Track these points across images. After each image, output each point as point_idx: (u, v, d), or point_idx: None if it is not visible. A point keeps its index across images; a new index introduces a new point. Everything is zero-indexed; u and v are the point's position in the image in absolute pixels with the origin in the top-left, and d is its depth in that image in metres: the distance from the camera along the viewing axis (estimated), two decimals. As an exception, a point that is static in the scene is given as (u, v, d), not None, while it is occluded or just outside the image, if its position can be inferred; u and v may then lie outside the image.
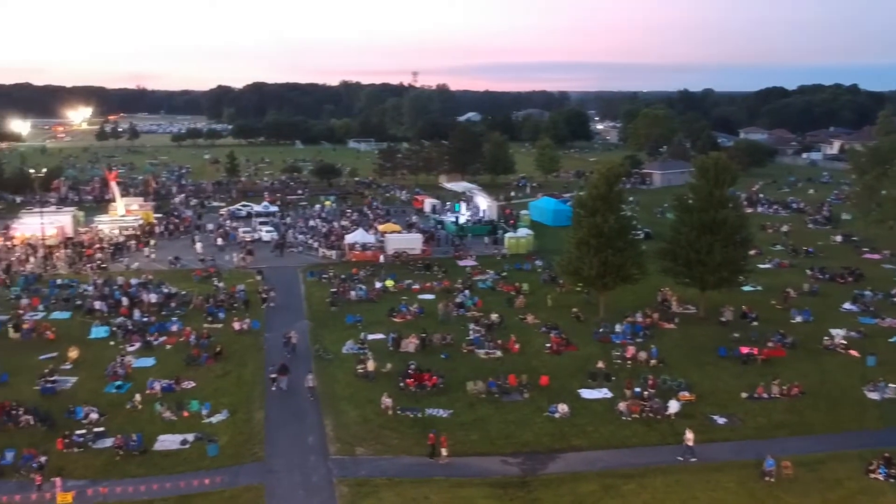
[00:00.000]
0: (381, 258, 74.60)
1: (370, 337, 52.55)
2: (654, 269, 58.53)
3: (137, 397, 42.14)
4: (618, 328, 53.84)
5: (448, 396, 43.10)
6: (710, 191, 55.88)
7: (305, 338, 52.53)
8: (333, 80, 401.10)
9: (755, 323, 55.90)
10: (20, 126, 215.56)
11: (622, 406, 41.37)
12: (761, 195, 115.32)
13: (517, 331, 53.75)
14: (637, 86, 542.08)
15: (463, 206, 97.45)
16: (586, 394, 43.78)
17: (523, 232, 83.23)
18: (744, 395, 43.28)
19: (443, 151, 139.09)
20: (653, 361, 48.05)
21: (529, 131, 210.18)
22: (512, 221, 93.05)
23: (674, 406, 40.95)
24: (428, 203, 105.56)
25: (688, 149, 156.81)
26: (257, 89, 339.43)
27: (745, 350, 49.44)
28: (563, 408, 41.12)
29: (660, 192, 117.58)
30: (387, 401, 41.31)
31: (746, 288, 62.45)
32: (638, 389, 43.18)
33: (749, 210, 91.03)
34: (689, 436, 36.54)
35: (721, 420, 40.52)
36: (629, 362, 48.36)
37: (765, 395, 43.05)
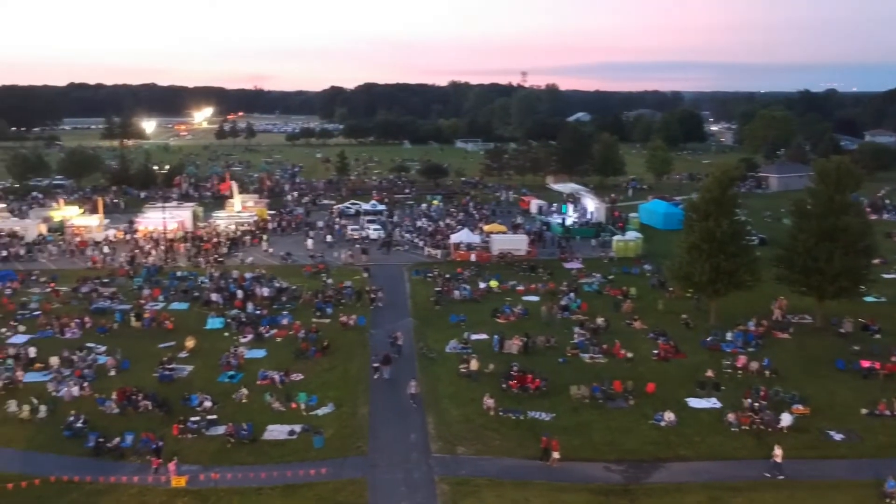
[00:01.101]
0: (473, 256, 74.69)
1: (474, 337, 52.66)
2: (769, 276, 56.38)
3: (243, 390, 43.52)
4: (728, 336, 52.09)
5: (551, 400, 42.72)
6: (831, 196, 53.29)
7: (409, 335, 53.11)
8: (442, 81, 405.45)
9: (878, 336, 53.02)
10: (146, 124, 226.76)
11: (731, 417, 39.99)
12: (887, 201, 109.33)
13: (623, 336, 52.77)
14: (754, 86, 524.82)
15: (570, 207, 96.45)
16: (694, 403, 42.55)
17: (632, 235, 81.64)
18: (864, 411, 41.09)
19: (550, 152, 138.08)
20: (766, 372, 46.27)
21: (640, 132, 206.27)
22: (620, 224, 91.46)
23: (786, 419, 39.30)
24: (534, 204, 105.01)
25: (807, 152, 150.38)
26: (368, 90, 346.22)
27: (866, 364, 46.92)
28: (669, 416, 40.11)
29: (776, 197, 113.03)
30: (489, 401, 41.31)
31: (869, 298, 59.39)
32: (748, 400, 41.67)
33: (873, 217, 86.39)
34: (778, 452, 35.04)
35: (838, 436, 38.59)
36: (740, 372, 46.73)
37: (887, 413, 40.75)
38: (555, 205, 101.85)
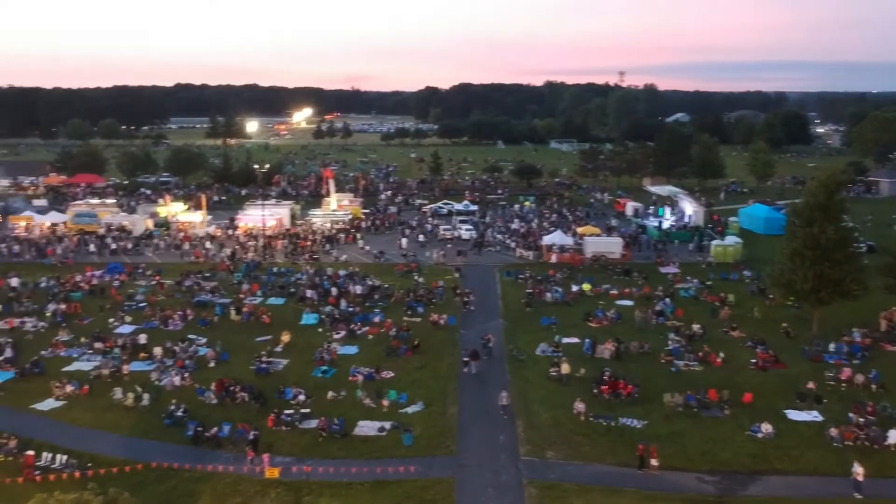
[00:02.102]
0: (554, 258, 73.94)
1: (565, 340, 52.10)
2: (877, 285, 53.76)
3: (330, 394, 44.19)
4: (832, 347, 49.92)
5: (643, 407, 41.86)
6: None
7: (500, 337, 52.96)
8: (538, 81, 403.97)
9: None
10: (248, 124, 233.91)
11: (834, 431, 38.28)
12: None
13: (720, 344, 51.25)
14: (866, 86, 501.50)
15: (667, 210, 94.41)
16: (793, 415, 40.94)
17: (731, 240, 79.21)
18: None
19: (647, 153, 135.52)
20: (872, 386, 44.12)
21: (742, 133, 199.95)
22: (720, 228, 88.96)
23: (893, 436, 37.38)
24: (630, 206, 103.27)
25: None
26: (463, 90, 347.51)
27: (984, 381, 44.24)
28: (766, 428, 38.73)
29: (887, 202, 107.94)
30: (580, 406, 40.81)
31: None
32: (852, 415, 39.84)
33: None
34: (859, 470, 33.24)
35: (951, 457, 36.49)
36: (843, 385, 44.71)
37: None
38: (651, 207, 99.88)
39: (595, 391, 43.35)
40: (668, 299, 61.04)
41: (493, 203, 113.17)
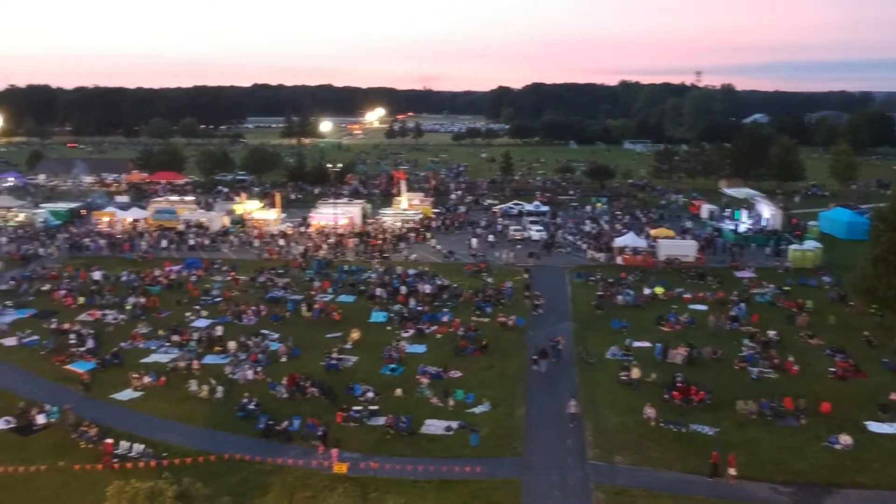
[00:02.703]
0: (619, 259, 72.72)
1: (636, 344, 51.33)
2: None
3: (398, 391, 44.45)
4: (918, 358, 48.02)
5: (715, 414, 40.93)
6: None
7: (569, 340, 52.49)
8: (612, 80, 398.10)
9: None
10: (322, 124, 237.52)
11: (919, 446, 36.81)
12: None
13: (797, 351, 49.76)
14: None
15: (744, 213, 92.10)
16: (875, 427, 39.45)
17: (811, 244, 76.79)
18: None
19: (724, 155, 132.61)
20: (961, 399, 42.28)
21: (824, 135, 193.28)
22: (798, 233, 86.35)
23: (984, 453, 35.73)
24: (705, 208, 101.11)
25: None
26: (535, 90, 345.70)
27: None
28: (845, 439, 37.41)
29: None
30: (650, 411, 40.15)
31: None
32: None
33: None
34: None
35: None
36: (930, 397, 42.92)
37: None
38: (727, 210, 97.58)
39: (666, 396, 42.58)
40: (743, 304, 59.54)
41: (565, 204, 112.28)
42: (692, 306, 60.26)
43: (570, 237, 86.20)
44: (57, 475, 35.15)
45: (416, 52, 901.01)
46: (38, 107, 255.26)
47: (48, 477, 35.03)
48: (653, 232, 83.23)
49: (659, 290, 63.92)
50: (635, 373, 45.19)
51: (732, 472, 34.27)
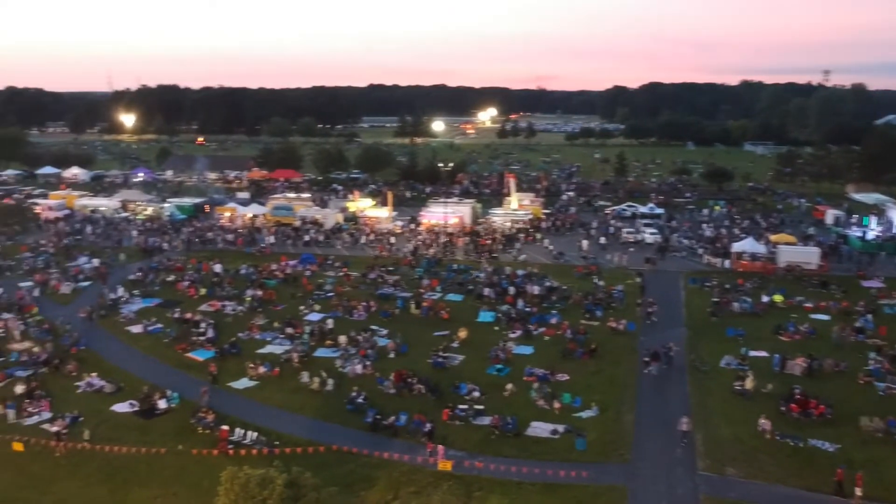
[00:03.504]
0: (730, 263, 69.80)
1: (752, 353, 49.37)
2: None
3: (509, 386, 44.26)
4: None
5: (836, 429, 38.91)
6: None
7: (681, 346, 50.99)
8: (733, 80, 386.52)
9: None
10: (435, 123, 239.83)
11: None
12: None
13: (929, 366, 46.77)
14: None
15: (873, 219, 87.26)
16: None
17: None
18: None
19: (852, 158, 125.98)
20: None
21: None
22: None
23: None
24: (830, 214, 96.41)
25: None
26: (652, 89, 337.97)
27: None
28: (983, 464, 34.90)
29: None
30: (765, 423, 38.56)
31: None
32: None
33: None
34: None
35: None
36: None
37: None
38: (855, 216, 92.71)
39: (783, 409, 40.81)
40: (869, 315, 56.36)
41: (680, 207, 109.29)
42: (813, 316, 57.51)
43: (685, 241, 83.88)
44: (176, 458, 36.81)
45: (531, 52, 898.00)
46: (167, 106, 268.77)
47: (168, 459, 36.73)
48: (773, 237, 79.95)
49: (778, 298, 61.31)
50: (749, 383, 43.52)
51: (858, 492, 32.46)
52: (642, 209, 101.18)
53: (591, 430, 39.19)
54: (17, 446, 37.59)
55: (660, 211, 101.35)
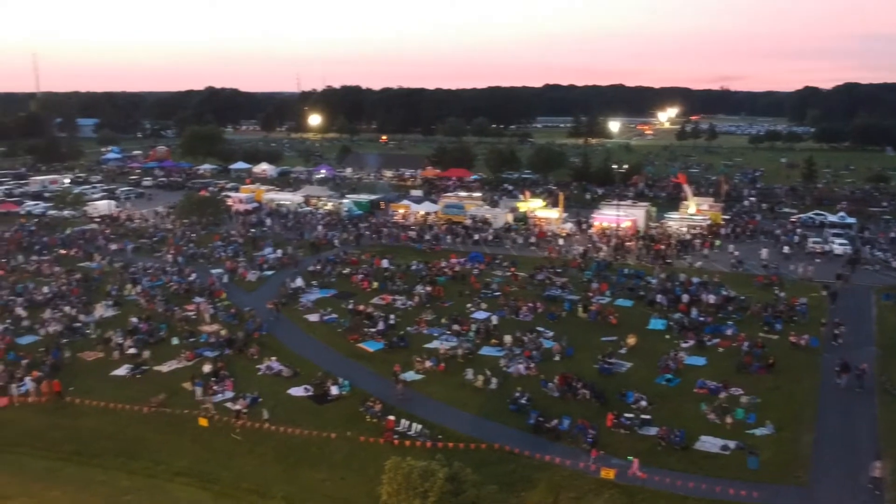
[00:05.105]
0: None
1: (954, 378, 45.00)
2: None
3: (711, 414, 42.62)
4: None
5: None
6: None
7: (871, 367, 47.02)
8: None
9: None
10: (611, 124, 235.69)
11: None
12: None
13: None
14: None
15: None
16: None
17: None
18: None
19: None
20: None
21: None
22: None
23: None
24: None
25: None
26: (848, 90, 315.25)
27: None
28: None
29: None
30: (967, 458, 34.98)
31: None
32: None
33: None
34: None
35: None
36: None
37: None
38: None
39: None
40: None
41: (876, 217, 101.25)
42: None
43: (879, 254, 77.63)
44: (345, 443, 38.27)
45: (714, 52, 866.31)
46: (349, 106, 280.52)
47: (337, 444, 38.25)
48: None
49: None
50: (952, 412, 39.63)
51: None
52: (831, 218, 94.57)
53: (765, 449, 37.08)
54: (203, 421, 40.43)
55: (851, 220, 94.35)
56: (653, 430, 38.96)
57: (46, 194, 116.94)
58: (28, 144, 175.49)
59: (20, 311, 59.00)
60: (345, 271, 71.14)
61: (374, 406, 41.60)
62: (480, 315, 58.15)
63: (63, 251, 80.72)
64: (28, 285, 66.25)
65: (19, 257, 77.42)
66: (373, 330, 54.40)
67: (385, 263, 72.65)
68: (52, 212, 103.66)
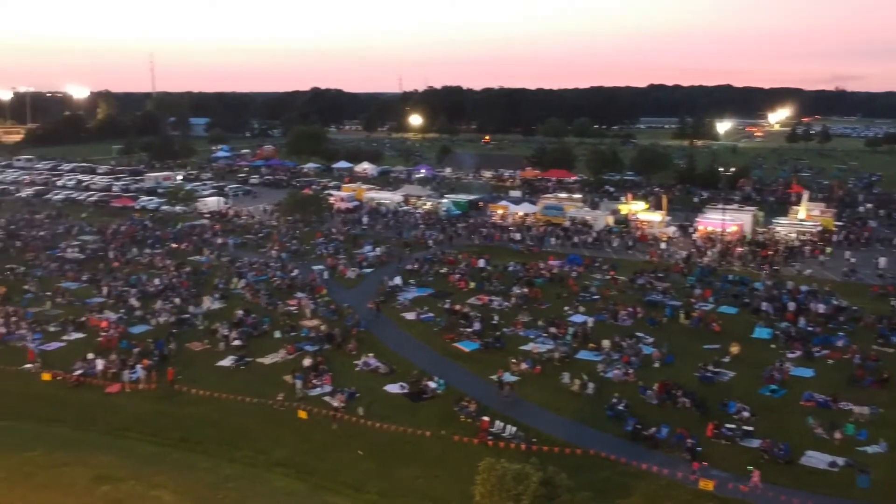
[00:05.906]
0: None
1: None
2: None
3: (819, 429, 41.01)
4: None
5: None
6: None
7: None
8: None
9: None
10: (718, 125, 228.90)
11: None
12: None
13: None
14: None
15: None
16: None
17: None
18: None
19: None
20: None
21: None
22: None
23: None
24: None
25: None
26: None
27: None
28: None
29: None
30: None
31: None
32: None
33: None
34: None
35: None
36: None
37: None
38: None
39: None
40: None
41: None
42: None
43: None
44: (438, 442, 38.47)
45: (828, 50, 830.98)
46: (450, 106, 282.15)
47: (431, 442, 38.48)
48: None
49: None
50: None
51: None
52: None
53: (876, 468, 35.27)
54: (302, 414, 41.40)
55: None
56: (755, 443, 37.64)
57: (160, 190, 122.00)
58: (143, 142, 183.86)
59: (133, 302, 61.83)
60: (442, 270, 71.58)
61: (468, 406, 41.66)
62: (578, 318, 57.44)
63: (174, 245, 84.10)
64: (141, 277, 69.31)
65: (133, 250, 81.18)
66: (469, 330, 54.51)
67: (482, 263, 72.78)
68: (164, 207, 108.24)
